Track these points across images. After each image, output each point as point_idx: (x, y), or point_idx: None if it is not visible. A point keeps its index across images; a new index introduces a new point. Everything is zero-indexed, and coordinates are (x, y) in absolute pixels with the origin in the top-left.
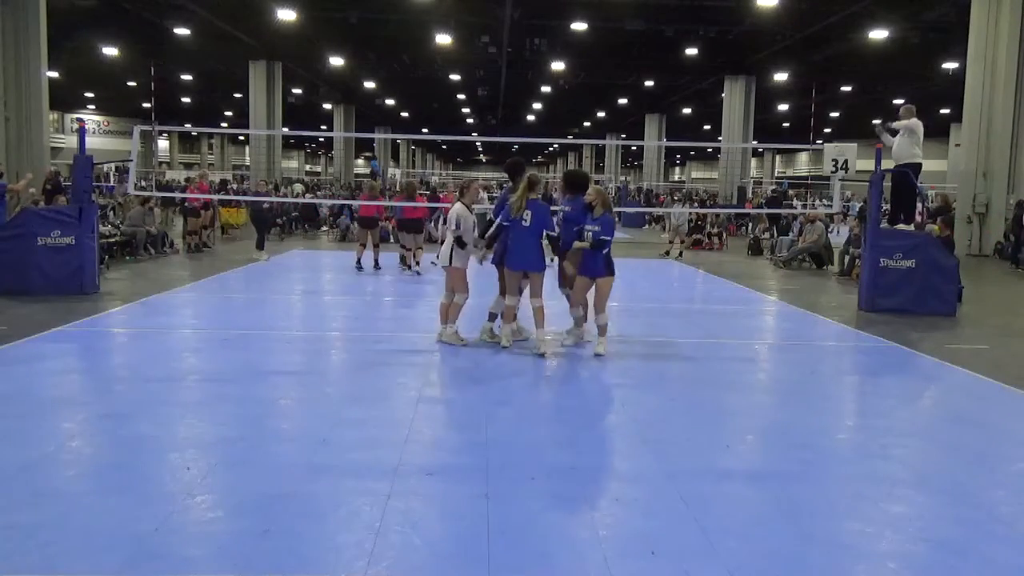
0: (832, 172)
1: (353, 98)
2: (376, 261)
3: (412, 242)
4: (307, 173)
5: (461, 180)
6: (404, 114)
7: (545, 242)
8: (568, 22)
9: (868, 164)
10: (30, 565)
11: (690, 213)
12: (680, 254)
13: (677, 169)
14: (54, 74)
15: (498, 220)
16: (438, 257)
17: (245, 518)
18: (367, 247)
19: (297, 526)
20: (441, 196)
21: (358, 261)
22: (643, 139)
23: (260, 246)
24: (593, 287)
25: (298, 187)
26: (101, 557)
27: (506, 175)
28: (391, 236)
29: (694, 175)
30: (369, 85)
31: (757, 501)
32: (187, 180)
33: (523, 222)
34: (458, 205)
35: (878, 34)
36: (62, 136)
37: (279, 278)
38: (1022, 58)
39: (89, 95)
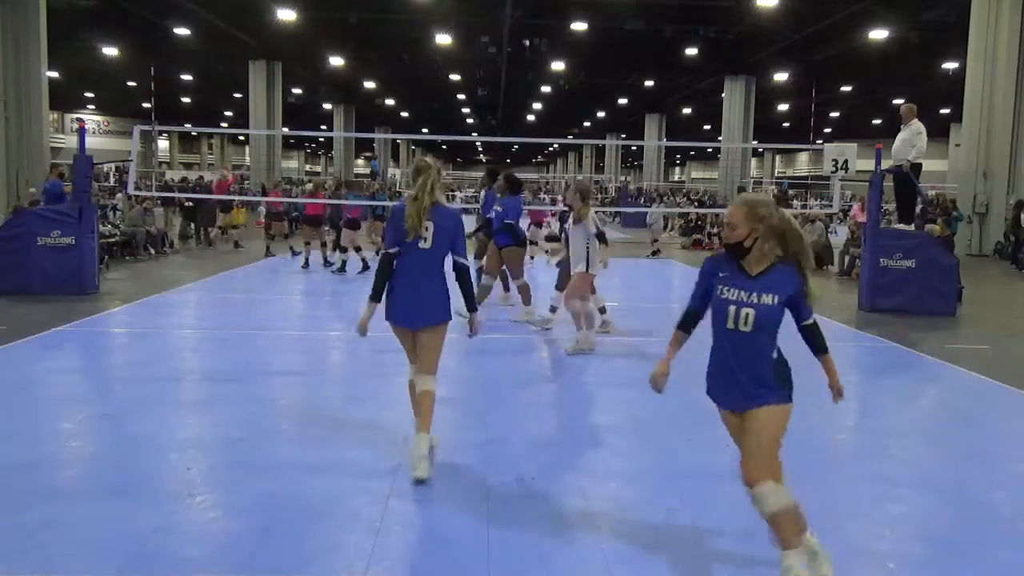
0: (832, 172)
1: (353, 98)
2: (326, 260)
3: None
4: (307, 173)
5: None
6: (404, 114)
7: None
8: (568, 22)
9: (868, 164)
10: (30, 565)
11: (690, 213)
12: (656, 252)
13: (677, 169)
14: (54, 74)
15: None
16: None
17: (245, 518)
18: (313, 245)
19: (297, 526)
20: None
21: (306, 261)
22: (643, 139)
23: (336, 248)
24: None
25: (310, 187)
26: (101, 557)
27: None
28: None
29: (694, 175)
30: (369, 85)
31: None
32: (183, 180)
33: (421, 242)
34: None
35: (878, 34)
36: (62, 136)
37: (280, 278)
38: (1022, 58)
39: (89, 95)
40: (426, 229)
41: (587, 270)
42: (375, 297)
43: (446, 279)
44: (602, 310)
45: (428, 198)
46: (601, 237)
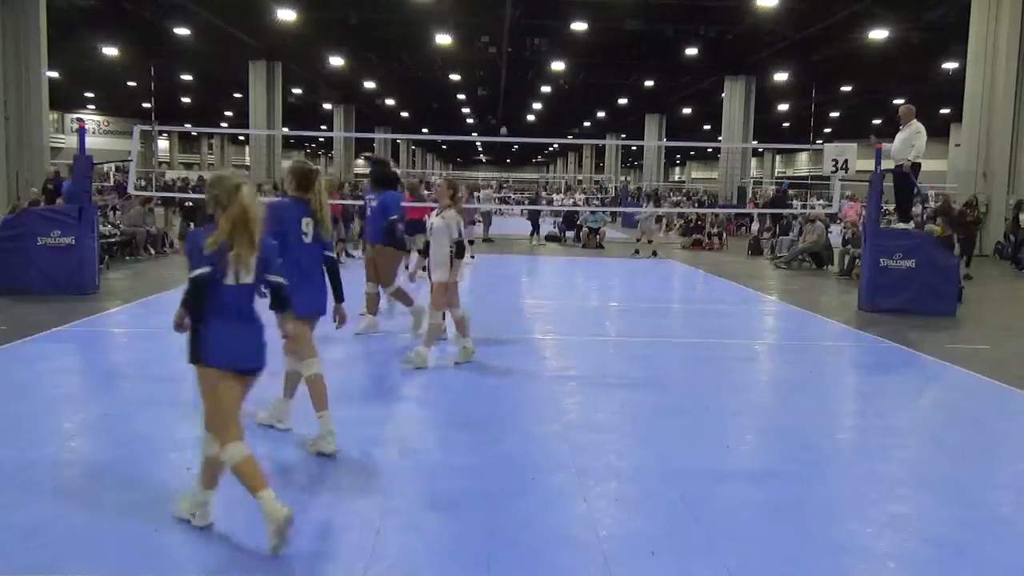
0: (832, 172)
1: (353, 98)
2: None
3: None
4: None
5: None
6: (404, 114)
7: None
8: (568, 22)
9: (868, 164)
10: (30, 565)
11: (689, 212)
12: (648, 252)
13: (677, 169)
14: (54, 74)
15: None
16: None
17: (245, 518)
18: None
19: (297, 526)
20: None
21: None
22: (643, 139)
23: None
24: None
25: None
26: (101, 557)
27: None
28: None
29: (694, 175)
30: (369, 85)
31: (757, 501)
32: (183, 180)
33: (303, 236)
34: (453, 211)
35: (878, 34)
36: (62, 136)
37: None
38: (1022, 58)
39: (89, 95)
40: (308, 225)
41: (448, 277)
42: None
43: (324, 273)
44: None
45: (318, 198)
46: (459, 248)
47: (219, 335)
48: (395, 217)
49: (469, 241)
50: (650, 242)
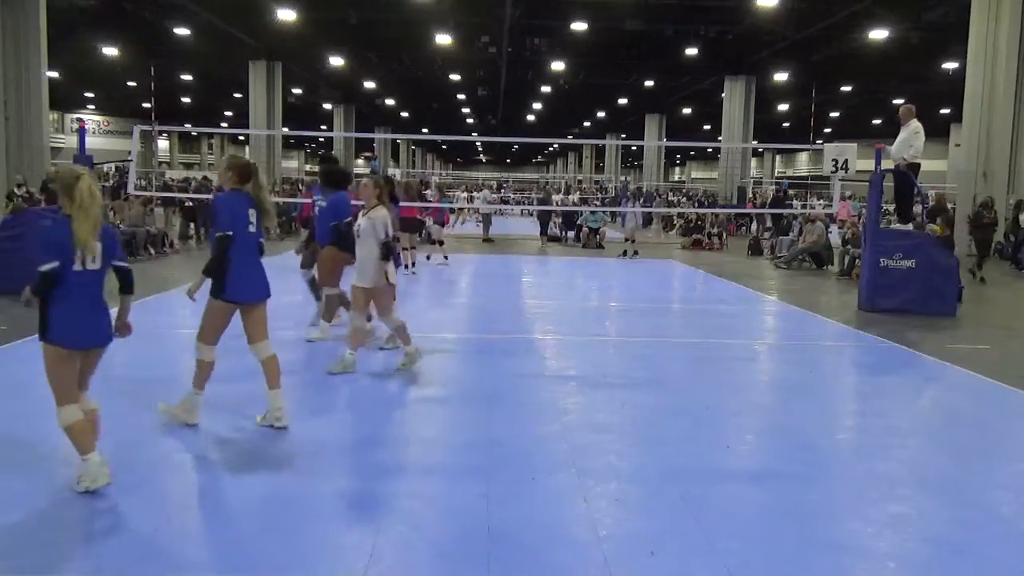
0: (832, 172)
1: (353, 98)
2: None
3: (408, 241)
4: (307, 173)
5: (463, 180)
6: (404, 114)
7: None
8: (568, 22)
9: (868, 164)
10: (30, 565)
11: (689, 213)
12: (630, 252)
13: (677, 169)
14: (54, 74)
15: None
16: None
17: (245, 518)
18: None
19: (297, 526)
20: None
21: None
22: (643, 139)
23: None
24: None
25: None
26: (101, 557)
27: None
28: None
29: (694, 175)
30: (369, 85)
31: (757, 501)
32: (184, 180)
33: (250, 226)
34: (384, 210)
35: (878, 34)
36: (62, 136)
37: (278, 279)
38: (1022, 58)
39: (89, 95)
40: (252, 215)
41: (388, 279)
42: (212, 274)
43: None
44: (368, 317)
45: (259, 189)
46: (386, 249)
47: (67, 318)
48: (349, 220)
49: (440, 242)
50: (627, 240)
